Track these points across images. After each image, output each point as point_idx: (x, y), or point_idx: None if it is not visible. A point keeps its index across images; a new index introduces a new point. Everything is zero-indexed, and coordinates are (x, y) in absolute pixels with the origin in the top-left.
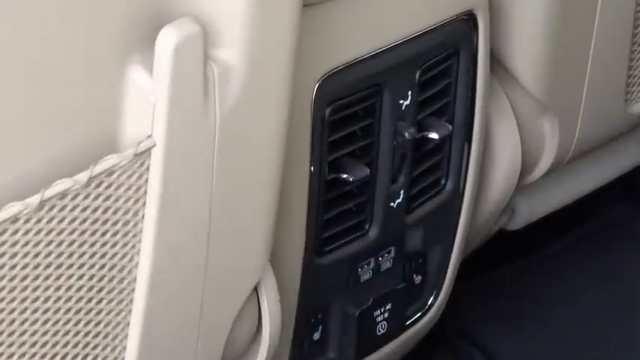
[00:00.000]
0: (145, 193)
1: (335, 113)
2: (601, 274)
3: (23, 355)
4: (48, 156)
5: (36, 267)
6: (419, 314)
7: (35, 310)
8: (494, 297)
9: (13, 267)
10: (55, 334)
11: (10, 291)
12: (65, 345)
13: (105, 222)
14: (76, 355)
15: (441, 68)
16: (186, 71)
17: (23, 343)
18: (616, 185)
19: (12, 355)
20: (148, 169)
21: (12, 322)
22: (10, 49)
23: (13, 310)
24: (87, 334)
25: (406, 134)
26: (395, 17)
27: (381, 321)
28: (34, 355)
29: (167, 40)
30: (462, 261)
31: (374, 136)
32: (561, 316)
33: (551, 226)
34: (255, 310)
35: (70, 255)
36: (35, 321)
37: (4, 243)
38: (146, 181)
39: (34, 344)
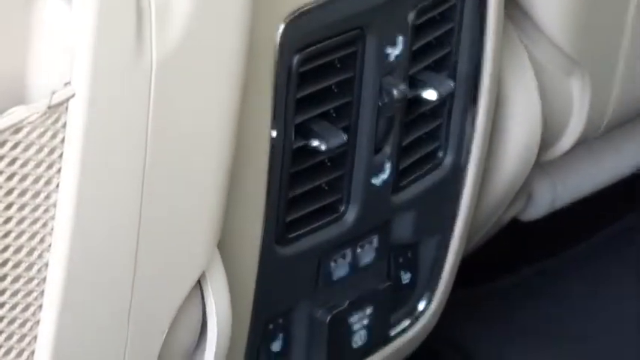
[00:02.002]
0: (61, 156)
1: (305, 63)
2: (615, 291)
3: None
4: None
5: None
6: (407, 323)
7: None
8: (500, 306)
9: None
10: None
11: None
12: None
13: (9, 192)
14: None
15: (441, 9)
16: (114, 2)
17: None
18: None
19: None
20: (64, 125)
21: None
22: None
23: None
24: None
25: (395, 92)
26: None
27: (359, 329)
28: None
29: None
30: (464, 259)
31: (353, 94)
32: (571, 334)
33: (574, 220)
34: (199, 312)
35: None
36: None
37: None
38: (62, 140)
39: None
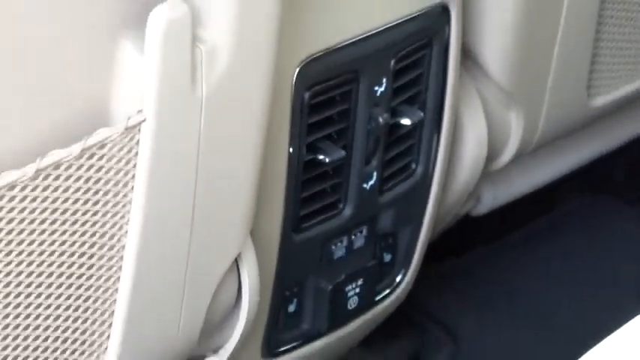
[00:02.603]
0: (135, 166)
1: (313, 97)
2: (561, 263)
3: (18, 316)
4: (44, 127)
5: (31, 233)
6: (388, 291)
7: (29, 274)
8: (461, 280)
9: (10, 232)
10: (48, 297)
11: (7, 255)
12: (57, 307)
13: (96, 192)
14: (67, 318)
15: (414, 58)
16: (175, 50)
17: (18, 305)
18: (575, 177)
19: (7, 315)
20: (137, 142)
21: (7, 284)
22: (4, 23)
23: (8, 273)
24: (78, 298)
25: (380, 120)
26: (372, 6)
27: (353, 296)
28: (28, 316)
29: (157, 20)
30: (431, 244)
31: (350, 121)
32: (524, 301)
33: (515, 214)
34: (235, 282)
35: (63, 222)
36: (29, 284)
37: (1, 209)
38: (136, 154)
39: (28, 306)
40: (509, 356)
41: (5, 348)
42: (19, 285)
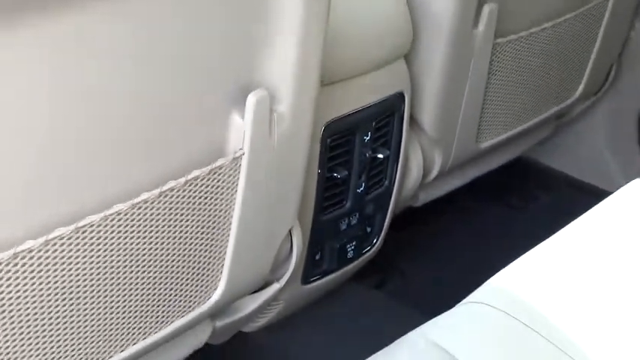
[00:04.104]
0: (238, 177)
1: (332, 142)
2: (472, 232)
3: (174, 259)
4: (185, 156)
5: (163, 230)
6: (368, 248)
7: (184, 241)
8: (410, 243)
9: (146, 234)
10: (191, 249)
11: (145, 252)
12: (195, 255)
13: (216, 199)
14: (200, 260)
15: (385, 122)
16: (260, 116)
17: (173, 255)
18: (474, 185)
19: (164, 260)
20: (239, 168)
21: (166, 249)
22: (159, 98)
23: (151, 257)
24: (206, 250)
25: (367, 154)
26: (363, 92)
27: (350, 250)
28: (183, 256)
29: (251, 100)
30: (392, 222)
31: (350, 155)
32: (450, 256)
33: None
34: (288, 241)
35: (200, 209)
36: (185, 243)
37: (140, 219)
38: (238, 175)
39: (183, 252)
40: (439, 286)
41: (165, 279)
42: (174, 246)
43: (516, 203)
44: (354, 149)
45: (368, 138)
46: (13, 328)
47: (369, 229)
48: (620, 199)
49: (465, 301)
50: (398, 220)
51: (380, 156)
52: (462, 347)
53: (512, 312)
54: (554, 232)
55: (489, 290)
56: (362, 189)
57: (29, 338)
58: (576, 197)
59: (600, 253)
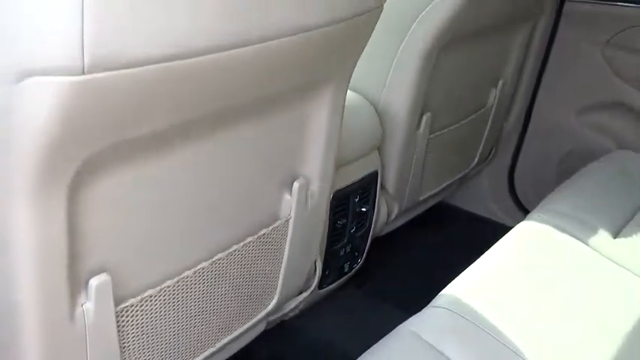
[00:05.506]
0: (287, 233)
1: (336, 203)
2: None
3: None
4: (256, 221)
5: (244, 267)
6: (356, 264)
7: (244, 276)
8: (379, 257)
9: (234, 269)
10: (259, 268)
11: (233, 280)
12: (261, 273)
13: (274, 245)
14: (263, 275)
15: (366, 189)
16: (301, 195)
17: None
18: (424, 223)
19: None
20: (288, 225)
21: (243, 271)
22: (240, 186)
23: (235, 283)
24: (268, 269)
25: (356, 209)
26: (353, 174)
27: (346, 267)
28: (247, 291)
29: (296, 186)
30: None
31: (347, 210)
32: (405, 265)
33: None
34: (313, 266)
35: (257, 261)
36: (255, 267)
37: (232, 260)
38: (287, 230)
39: (241, 284)
40: (399, 286)
41: (242, 296)
42: (241, 282)
43: (440, 231)
44: (349, 206)
45: (357, 199)
46: (152, 342)
47: (356, 253)
48: (524, 230)
49: (430, 304)
50: (372, 244)
51: (364, 209)
52: (440, 340)
53: (466, 315)
54: (466, 250)
55: (448, 297)
56: (353, 230)
57: (162, 339)
58: (476, 226)
59: (517, 269)
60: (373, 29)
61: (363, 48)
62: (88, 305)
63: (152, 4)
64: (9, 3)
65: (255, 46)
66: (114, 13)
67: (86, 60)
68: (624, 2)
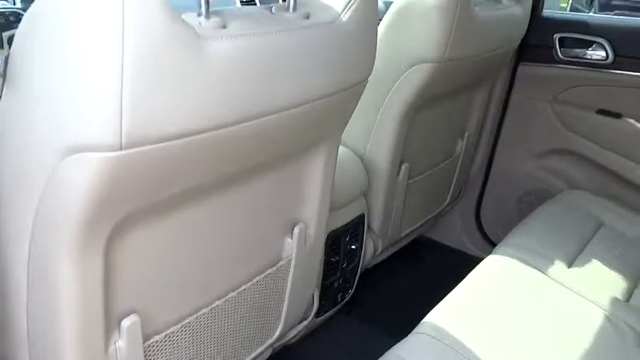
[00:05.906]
0: (289, 270)
1: (330, 243)
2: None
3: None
4: (263, 262)
5: (253, 302)
6: (347, 295)
7: (252, 309)
8: (365, 287)
9: (244, 304)
10: (265, 298)
11: (242, 313)
12: (268, 302)
13: (278, 282)
14: (271, 303)
15: (355, 230)
16: (301, 237)
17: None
18: (405, 256)
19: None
20: (290, 264)
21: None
22: (250, 233)
23: (246, 315)
24: (275, 298)
25: (347, 247)
26: (343, 217)
27: (338, 297)
28: (255, 323)
29: (296, 230)
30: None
31: (339, 248)
32: (389, 293)
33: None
34: (312, 298)
35: (264, 296)
36: (259, 301)
37: (245, 297)
38: (289, 268)
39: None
40: (384, 312)
41: (250, 327)
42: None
43: (419, 262)
44: (340, 245)
45: (347, 238)
46: None
47: (347, 285)
48: (492, 263)
49: (414, 331)
50: (361, 276)
51: (353, 247)
52: None
53: (445, 340)
54: (441, 278)
55: (429, 324)
56: (345, 265)
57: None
58: (449, 256)
59: (488, 298)
60: (361, 95)
61: (353, 112)
62: (120, 343)
63: (186, 88)
64: (60, 93)
65: (271, 116)
66: (148, 102)
67: (123, 139)
68: (568, 65)
